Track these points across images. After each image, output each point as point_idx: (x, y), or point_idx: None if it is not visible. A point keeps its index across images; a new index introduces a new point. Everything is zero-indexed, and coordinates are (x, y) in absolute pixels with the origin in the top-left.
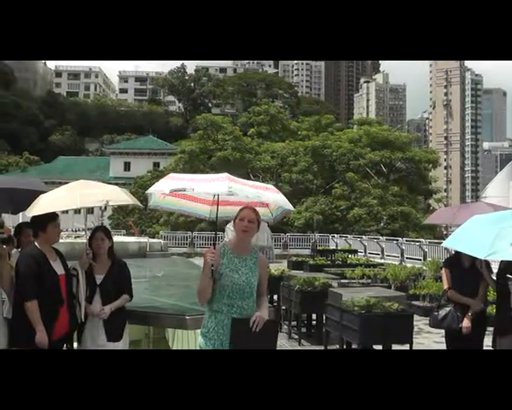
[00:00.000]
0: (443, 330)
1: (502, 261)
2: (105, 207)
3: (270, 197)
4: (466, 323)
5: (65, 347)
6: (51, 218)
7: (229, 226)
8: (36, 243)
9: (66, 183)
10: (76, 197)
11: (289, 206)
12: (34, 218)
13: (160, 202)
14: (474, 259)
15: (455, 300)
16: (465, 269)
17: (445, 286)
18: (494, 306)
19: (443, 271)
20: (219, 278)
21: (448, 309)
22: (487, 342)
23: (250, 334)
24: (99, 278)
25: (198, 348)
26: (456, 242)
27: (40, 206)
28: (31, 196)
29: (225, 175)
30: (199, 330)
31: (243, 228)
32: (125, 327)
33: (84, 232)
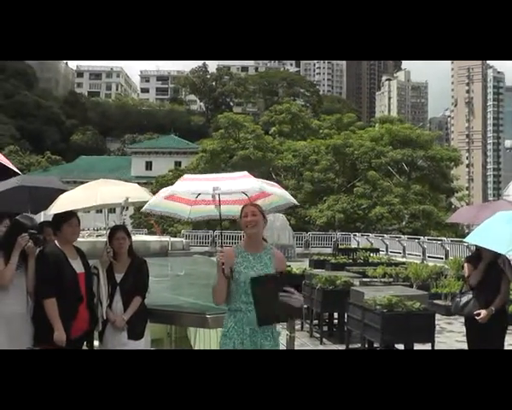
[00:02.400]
0: (464, 330)
1: None
2: (127, 207)
3: (276, 191)
4: (484, 314)
5: (85, 345)
6: (66, 217)
7: None
8: (56, 242)
9: (88, 182)
10: (96, 195)
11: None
12: (53, 217)
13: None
14: (496, 257)
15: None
16: (486, 266)
17: (466, 274)
18: None
19: (465, 265)
20: (237, 277)
21: (470, 296)
22: (510, 341)
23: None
24: (119, 277)
25: (219, 348)
26: (478, 238)
27: (59, 204)
28: (50, 194)
29: (246, 173)
30: (220, 329)
31: (248, 223)
32: (147, 326)
33: (105, 231)
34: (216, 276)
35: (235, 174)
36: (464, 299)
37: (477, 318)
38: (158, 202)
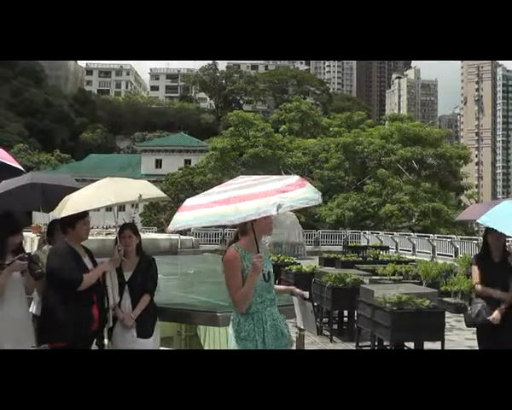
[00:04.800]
0: (474, 328)
1: None
2: (137, 205)
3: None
4: (496, 314)
5: (94, 343)
6: (80, 215)
7: None
8: (66, 240)
9: (98, 180)
10: (110, 193)
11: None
12: (64, 216)
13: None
14: (505, 254)
15: (484, 294)
16: (495, 264)
17: (474, 282)
18: None
19: (472, 267)
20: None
21: (480, 305)
22: None
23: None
24: (128, 275)
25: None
26: (490, 219)
27: (72, 206)
28: (62, 192)
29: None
30: (230, 330)
31: (271, 226)
32: (156, 324)
33: (114, 229)
34: (248, 283)
35: (280, 182)
36: (476, 309)
37: (493, 322)
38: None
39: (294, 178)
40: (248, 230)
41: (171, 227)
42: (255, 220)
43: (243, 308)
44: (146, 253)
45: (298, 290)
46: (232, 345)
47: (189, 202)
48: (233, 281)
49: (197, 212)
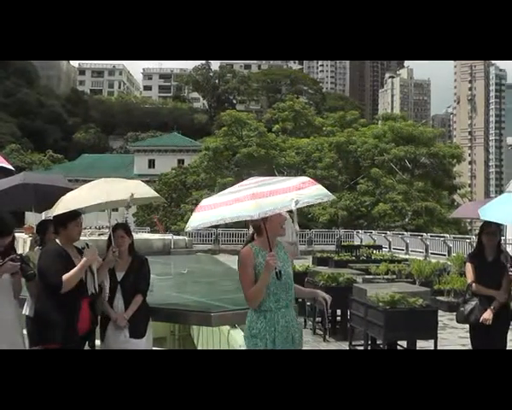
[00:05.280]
0: (467, 326)
1: None
2: (129, 205)
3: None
4: (487, 315)
5: (87, 344)
6: (72, 215)
7: None
8: (57, 240)
9: (91, 180)
10: (103, 193)
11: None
12: (56, 215)
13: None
14: (497, 253)
15: (479, 293)
16: (488, 263)
17: (469, 280)
18: None
19: (466, 265)
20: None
21: (473, 303)
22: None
23: None
24: (120, 275)
25: (246, 349)
26: (491, 213)
27: (65, 204)
28: (55, 193)
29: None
30: (224, 327)
31: (283, 229)
32: (149, 324)
33: (107, 230)
34: (261, 280)
35: (294, 180)
36: (468, 307)
37: (484, 322)
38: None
39: (307, 178)
40: (262, 230)
41: (189, 228)
42: (267, 220)
43: (254, 305)
44: (139, 253)
45: (322, 295)
46: (242, 341)
47: (206, 201)
48: (245, 277)
49: (218, 210)
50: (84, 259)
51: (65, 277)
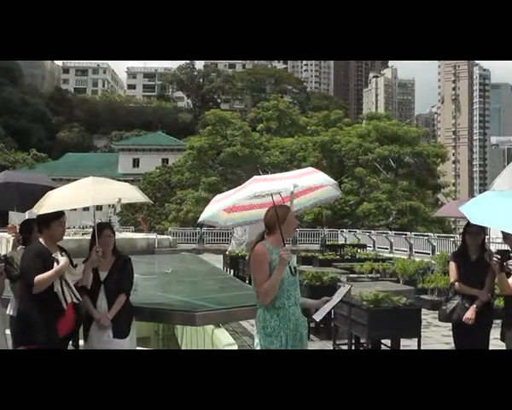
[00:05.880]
0: (451, 324)
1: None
2: (113, 205)
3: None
4: (469, 314)
5: (70, 344)
6: (55, 215)
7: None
8: (40, 240)
9: (75, 180)
10: (88, 195)
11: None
12: (39, 214)
13: (225, 220)
14: (481, 252)
15: (462, 292)
16: (472, 262)
17: (452, 279)
18: (502, 299)
19: (450, 264)
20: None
21: (456, 302)
22: (496, 335)
23: None
24: (103, 275)
25: (259, 349)
26: (481, 217)
27: (49, 204)
28: (38, 191)
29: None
30: (208, 327)
31: (294, 228)
32: (132, 324)
33: (91, 229)
34: (276, 274)
35: (302, 171)
36: (451, 306)
37: (467, 322)
38: (216, 214)
39: (309, 168)
40: (276, 229)
41: (202, 219)
42: (285, 220)
43: (267, 301)
44: (122, 252)
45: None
46: (257, 341)
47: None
48: (259, 273)
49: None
50: (58, 266)
51: (36, 278)
